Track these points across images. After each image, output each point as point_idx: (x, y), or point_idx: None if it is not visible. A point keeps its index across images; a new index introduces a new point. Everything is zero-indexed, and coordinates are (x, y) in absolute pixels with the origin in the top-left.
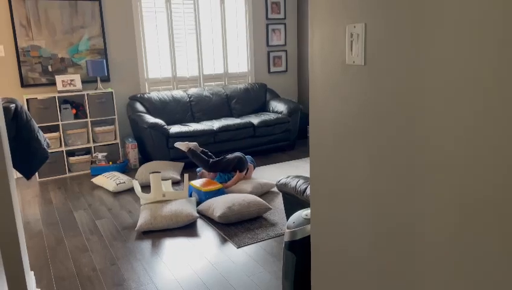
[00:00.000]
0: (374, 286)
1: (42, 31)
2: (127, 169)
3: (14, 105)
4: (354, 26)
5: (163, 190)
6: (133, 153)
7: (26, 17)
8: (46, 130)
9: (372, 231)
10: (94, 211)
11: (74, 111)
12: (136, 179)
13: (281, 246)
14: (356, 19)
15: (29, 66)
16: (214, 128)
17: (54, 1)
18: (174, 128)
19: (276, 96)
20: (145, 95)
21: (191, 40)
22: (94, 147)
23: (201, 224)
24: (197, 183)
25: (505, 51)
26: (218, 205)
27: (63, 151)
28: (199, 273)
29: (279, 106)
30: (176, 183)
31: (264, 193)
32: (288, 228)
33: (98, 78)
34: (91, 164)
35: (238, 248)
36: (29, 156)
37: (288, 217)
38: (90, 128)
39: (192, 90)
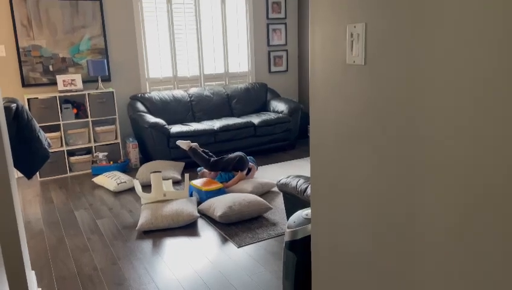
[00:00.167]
0: (374, 286)
1: (43, 31)
2: (127, 169)
3: (15, 105)
4: (355, 26)
5: (164, 189)
6: (133, 153)
7: (27, 17)
8: (47, 129)
9: (372, 231)
10: (95, 211)
11: (75, 111)
12: (137, 179)
13: (281, 245)
14: (357, 18)
15: (30, 66)
16: (215, 128)
17: (54, 1)
18: (175, 128)
19: (276, 96)
20: (146, 95)
21: (191, 40)
22: (95, 146)
23: (202, 224)
24: (198, 182)
25: (505, 50)
26: (218, 205)
27: (64, 151)
28: (200, 272)
29: (279, 106)
30: (176, 182)
31: (265, 192)
32: (288, 228)
33: (99, 78)
34: (92, 163)
35: (238, 247)
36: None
37: (288, 216)
38: (91, 128)
39: (193, 90)
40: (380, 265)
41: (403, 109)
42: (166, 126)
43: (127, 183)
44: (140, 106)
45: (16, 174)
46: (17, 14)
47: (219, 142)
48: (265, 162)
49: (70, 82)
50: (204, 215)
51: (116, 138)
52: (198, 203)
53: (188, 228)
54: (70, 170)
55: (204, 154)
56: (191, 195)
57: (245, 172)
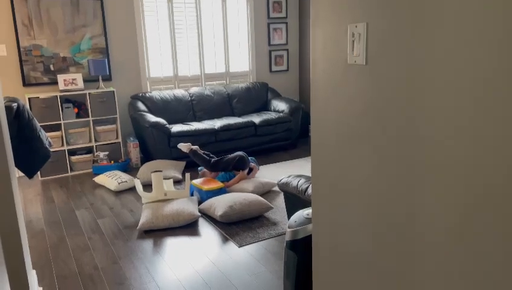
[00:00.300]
0: (374, 286)
1: (44, 30)
2: (128, 168)
3: (16, 104)
4: (356, 26)
5: (165, 189)
6: (134, 152)
7: (28, 16)
8: (48, 129)
9: (372, 231)
10: (96, 210)
11: (76, 110)
12: (138, 178)
13: (282, 245)
14: (358, 18)
15: (31, 65)
16: (216, 127)
17: (55, 0)
18: (176, 128)
19: (277, 96)
20: (147, 94)
21: (192, 39)
22: (96, 146)
23: (202, 223)
24: (199, 182)
25: (505, 50)
26: (219, 204)
27: (64, 150)
28: (200, 272)
29: (280, 105)
30: (177, 182)
31: (266, 192)
32: (289, 227)
33: (100, 77)
34: (93, 163)
35: (239, 247)
36: (31, 155)
37: (289, 216)
38: (92, 128)
39: (194, 90)
40: (380, 265)
41: (404, 108)
42: (167, 126)
43: (128, 183)
44: (141, 106)
45: (17, 173)
46: (18, 13)
47: (220, 141)
48: (266, 161)
49: (71, 81)
50: (205, 215)
51: (117, 138)
52: (199, 202)
53: (188, 228)
54: (71, 170)
55: (204, 155)
56: (191, 194)
57: (246, 171)
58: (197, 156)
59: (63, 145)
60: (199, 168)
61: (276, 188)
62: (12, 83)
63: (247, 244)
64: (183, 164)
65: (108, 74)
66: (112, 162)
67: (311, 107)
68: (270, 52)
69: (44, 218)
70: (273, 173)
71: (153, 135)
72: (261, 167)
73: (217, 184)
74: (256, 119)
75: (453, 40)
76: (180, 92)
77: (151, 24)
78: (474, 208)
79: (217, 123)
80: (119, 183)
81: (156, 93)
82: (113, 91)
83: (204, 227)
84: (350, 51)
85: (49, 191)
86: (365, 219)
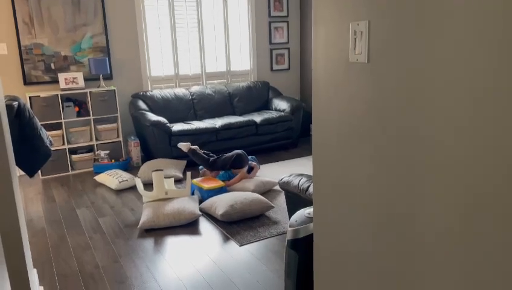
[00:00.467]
0: (375, 285)
1: (45, 29)
2: (129, 167)
3: (17, 103)
4: (358, 24)
5: (166, 187)
6: (135, 151)
7: (29, 15)
8: (49, 127)
9: (373, 231)
10: (97, 209)
11: (77, 109)
12: (139, 177)
13: (283, 244)
14: (360, 16)
15: (32, 64)
16: (217, 126)
17: None
18: (177, 126)
19: (278, 94)
20: (148, 93)
21: (193, 38)
22: (97, 144)
23: (203, 222)
24: (200, 181)
25: (505, 50)
26: (220, 203)
27: (65, 149)
28: (201, 271)
29: (281, 104)
30: (178, 181)
31: (267, 191)
32: (290, 226)
33: (101, 76)
34: (94, 161)
35: (240, 246)
36: (31, 154)
37: (290, 215)
38: (92, 126)
39: (195, 88)
40: (380, 265)
41: (404, 108)
42: (168, 124)
43: (129, 182)
44: (142, 104)
45: (17, 172)
46: (19, 12)
47: (221, 140)
48: (267, 160)
49: (72, 80)
50: (206, 214)
51: (117, 136)
52: (200, 201)
53: (189, 227)
54: (72, 168)
55: (203, 154)
56: (192, 193)
57: (246, 169)
58: (196, 155)
59: (63, 144)
60: (200, 167)
61: (277, 187)
62: (13, 82)
63: (248, 243)
64: (184, 162)
65: (109, 72)
66: (113, 161)
67: (312, 107)
68: (271, 50)
69: (45, 217)
70: (274, 172)
71: (153, 134)
72: (262, 166)
73: (217, 183)
74: (257, 118)
75: (456, 38)
76: (181, 91)
77: (152, 23)
78: (474, 208)
79: (218, 122)
80: (120, 182)
81: (156, 92)
82: (114, 90)
83: (205, 226)
84: (352, 49)
85: (50, 190)
86: (365, 219)
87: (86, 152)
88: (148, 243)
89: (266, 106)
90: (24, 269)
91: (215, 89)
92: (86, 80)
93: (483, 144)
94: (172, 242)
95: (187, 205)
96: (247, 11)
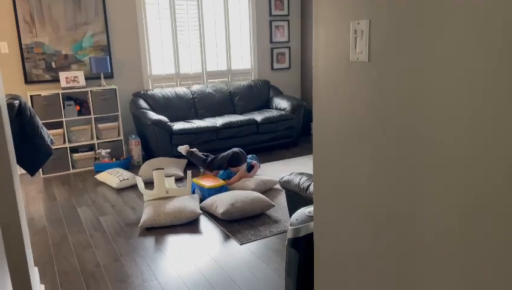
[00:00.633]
0: (375, 285)
1: (46, 28)
2: (130, 166)
3: (18, 101)
4: (358, 23)
5: (167, 186)
6: (136, 150)
7: (30, 14)
8: (50, 126)
9: (372, 231)
10: (98, 208)
11: (78, 108)
12: (140, 176)
13: (283, 243)
14: (360, 15)
15: (33, 63)
16: (217, 125)
17: None
18: (178, 125)
19: (279, 93)
20: (149, 92)
21: (194, 37)
22: (97, 143)
23: (204, 221)
24: (200, 180)
25: (506, 50)
26: (221, 202)
27: (66, 147)
28: (202, 269)
29: (282, 103)
30: (179, 180)
31: (267, 189)
32: (291, 225)
33: (102, 75)
34: (95, 160)
35: (241, 244)
36: (33, 153)
37: (291, 214)
38: (93, 125)
39: (196, 87)
40: (380, 265)
41: (404, 108)
42: (169, 123)
43: (130, 180)
44: (142, 103)
45: (19, 171)
46: (20, 10)
47: (221, 139)
48: (268, 159)
49: (73, 79)
50: (207, 213)
51: (118, 135)
52: (201, 200)
53: (190, 225)
54: (73, 167)
55: (201, 155)
56: (193, 192)
57: (244, 167)
58: (193, 157)
59: (64, 142)
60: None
61: (278, 186)
62: (14, 81)
63: (249, 242)
64: (184, 161)
65: (110, 71)
66: (114, 159)
67: (313, 107)
68: (272, 49)
69: (46, 215)
70: (274, 171)
71: (154, 133)
72: (263, 165)
73: (218, 182)
74: (258, 117)
75: (458, 38)
76: (181, 90)
77: (152, 21)
78: (474, 208)
79: (218, 121)
80: (120, 181)
81: (157, 91)
82: (115, 89)
83: (206, 225)
84: (352, 48)
85: (51, 189)
86: (365, 219)
87: (87, 151)
88: (149, 241)
89: (267, 104)
90: (25, 267)
91: (216, 88)
92: (86, 78)
93: (483, 144)
94: (173, 241)
95: (188, 203)
96: (248, 10)
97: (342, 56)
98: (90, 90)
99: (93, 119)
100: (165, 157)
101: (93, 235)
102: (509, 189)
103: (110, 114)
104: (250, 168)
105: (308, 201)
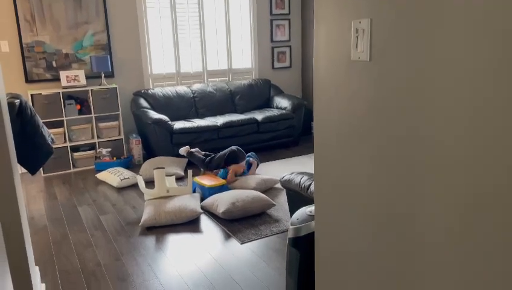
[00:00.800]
0: (375, 284)
1: (46, 27)
2: (131, 165)
3: (18, 100)
4: (360, 22)
5: (167, 185)
6: (137, 149)
7: (31, 13)
8: (51, 125)
9: (373, 231)
10: (98, 207)
11: (78, 107)
12: (140, 175)
13: (284, 242)
14: (361, 14)
15: (34, 62)
16: (218, 124)
17: None
18: (178, 124)
19: (280, 92)
20: (149, 91)
21: (195, 36)
22: (98, 142)
23: (205, 220)
24: (201, 179)
25: (506, 51)
26: (222, 201)
27: (67, 146)
28: (203, 268)
29: (283, 102)
30: (179, 179)
31: (268, 189)
32: (292, 225)
33: (102, 74)
34: (95, 159)
35: (241, 243)
36: (33, 152)
37: (292, 213)
38: (94, 124)
39: (196, 86)
40: (380, 265)
41: (405, 107)
42: (170, 122)
43: (130, 179)
44: (143, 102)
45: (19, 170)
46: (21, 9)
47: (222, 138)
48: (269, 158)
49: (73, 78)
50: (207, 212)
51: (119, 134)
52: (202, 199)
53: (191, 224)
54: (74, 166)
55: (200, 155)
56: (194, 191)
57: (241, 164)
58: (193, 157)
59: (65, 141)
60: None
61: (279, 185)
62: (15, 80)
63: (249, 241)
64: (185, 161)
65: (110, 70)
66: (115, 158)
67: (314, 106)
68: (272, 48)
69: (47, 214)
70: (275, 170)
71: (155, 132)
72: (263, 164)
73: (219, 181)
74: (259, 116)
75: (459, 37)
76: (182, 89)
77: (153, 20)
78: (474, 208)
79: (219, 120)
80: (121, 180)
81: (158, 90)
82: (116, 88)
83: (207, 224)
84: (354, 48)
85: (51, 188)
86: (365, 219)
87: (88, 150)
88: (150, 240)
89: (267, 103)
90: (26, 266)
91: (217, 87)
92: (87, 77)
93: (483, 144)
94: (174, 240)
95: (188, 202)
96: (248, 9)
97: (343, 55)
98: (91, 89)
99: (93, 118)
100: (166, 156)
101: (94, 234)
102: (509, 189)
103: (111, 113)
104: (249, 166)
105: (309, 200)
